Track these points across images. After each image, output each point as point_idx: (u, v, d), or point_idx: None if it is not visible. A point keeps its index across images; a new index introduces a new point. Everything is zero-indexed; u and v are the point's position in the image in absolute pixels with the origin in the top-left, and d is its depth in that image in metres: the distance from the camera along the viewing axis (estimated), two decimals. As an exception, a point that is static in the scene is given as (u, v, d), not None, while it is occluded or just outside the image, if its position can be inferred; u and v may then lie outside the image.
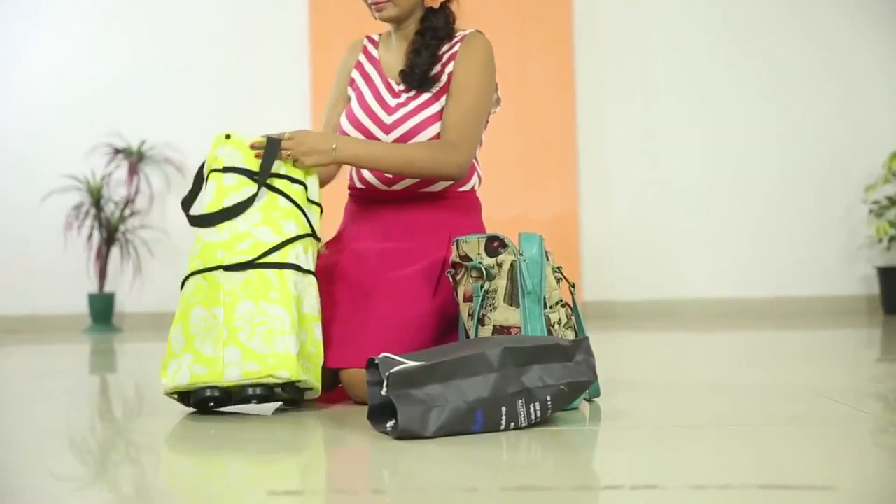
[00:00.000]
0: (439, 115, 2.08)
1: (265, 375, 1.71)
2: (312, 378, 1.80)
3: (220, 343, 1.73)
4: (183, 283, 1.84)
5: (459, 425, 1.53)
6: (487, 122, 2.18)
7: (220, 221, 1.83)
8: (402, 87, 2.13)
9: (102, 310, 5.31)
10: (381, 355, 1.58)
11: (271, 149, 1.89)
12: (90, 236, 5.39)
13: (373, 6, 2.11)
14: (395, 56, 2.19)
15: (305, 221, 1.89)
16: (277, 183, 1.89)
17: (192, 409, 1.83)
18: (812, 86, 5.38)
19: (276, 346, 1.72)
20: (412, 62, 2.12)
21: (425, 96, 2.10)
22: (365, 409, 1.87)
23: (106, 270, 5.38)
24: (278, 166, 1.90)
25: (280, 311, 1.75)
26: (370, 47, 2.26)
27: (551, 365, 1.60)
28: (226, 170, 1.88)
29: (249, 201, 1.85)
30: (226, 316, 1.75)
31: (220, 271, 1.79)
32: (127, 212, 5.45)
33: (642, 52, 5.46)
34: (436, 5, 2.15)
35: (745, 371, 2.57)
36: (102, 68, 5.63)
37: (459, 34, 2.16)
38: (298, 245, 1.84)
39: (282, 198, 1.88)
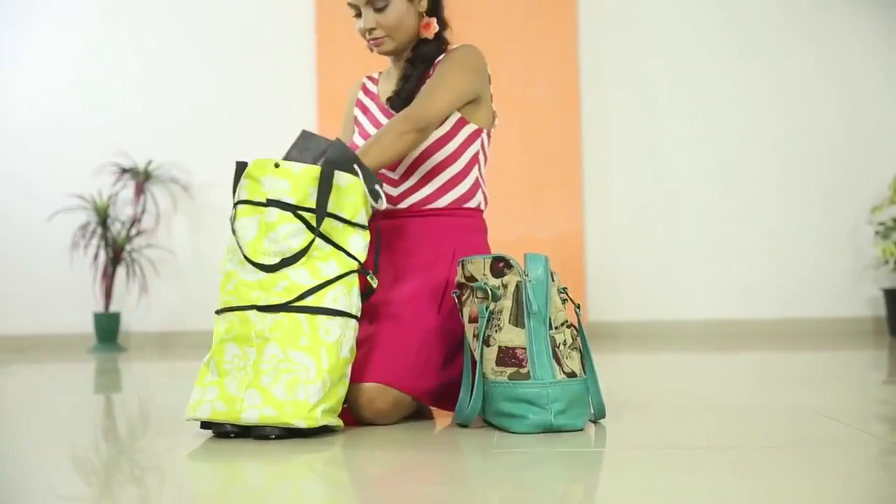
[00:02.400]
0: (442, 143, 2.11)
1: (281, 423, 1.71)
2: (335, 418, 1.80)
3: (244, 384, 1.74)
4: (217, 314, 1.83)
5: None
6: (491, 137, 2.22)
7: (279, 269, 1.78)
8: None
9: (108, 329, 5.32)
10: None
11: (325, 186, 1.81)
12: (96, 256, 5.41)
13: (371, 42, 2.15)
14: (392, 86, 2.24)
15: (348, 258, 1.85)
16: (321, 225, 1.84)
17: (197, 430, 1.85)
18: (820, 106, 5.39)
19: (298, 395, 1.71)
20: (399, 88, 2.17)
21: None
22: (369, 429, 1.88)
23: (112, 290, 5.39)
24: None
25: (307, 360, 1.73)
26: (369, 84, 2.32)
27: None
28: (269, 202, 1.80)
29: (307, 250, 1.79)
30: (256, 357, 1.75)
31: (254, 311, 1.77)
32: (133, 231, 5.47)
33: (648, 72, 5.48)
34: (430, 36, 2.18)
35: (751, 392, 2.56)
36: (109, 88, 5.67)
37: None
38: (338, 286, 1.80)
39: (320, 240, 1.82)
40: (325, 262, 1.81)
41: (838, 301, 5.33)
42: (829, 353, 3.96)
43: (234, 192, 1.87)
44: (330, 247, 1.83)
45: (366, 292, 1.95)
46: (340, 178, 1.86)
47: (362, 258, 1.87)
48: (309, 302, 1.77)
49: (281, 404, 1.71)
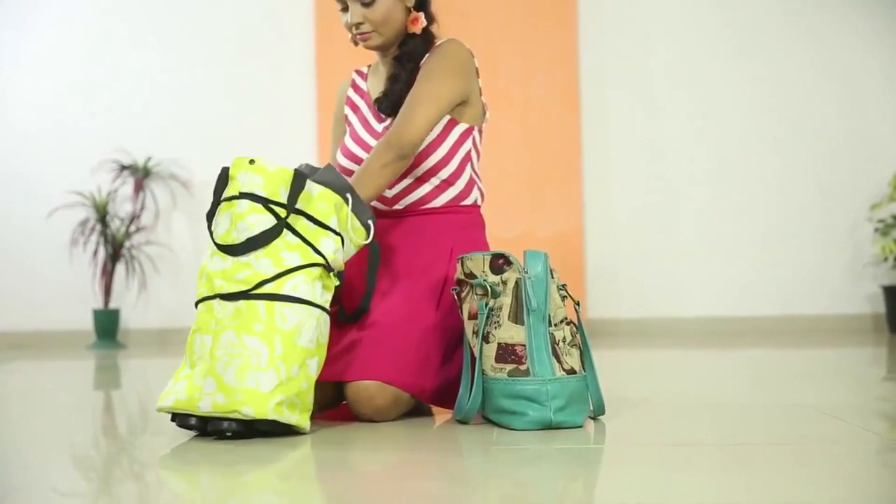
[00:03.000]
0: (434, 146, 2.11)
1: (231, 410, 1.68)
2: (298, 417, 1.74)
3: (203, 373, 1.72)
4: (195, 307, 1.84)
5: None
6: (483, 132, 2.22)
7: (245, 252, 1.77)
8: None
9: (107, 326, 5.31)
10: None
11: (298, 184, 1.81)
12: (95, 252, 5.41)
13: (358, 37, 2.13)
14: (380, 83, 2.23)
15: (314, 254, 1.80)
16: (291, 219, 1.82)
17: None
18: (819, 104, 5.39)
19: (247, 382, 1.68)
20: (387, 89, 2.15)
21: None
22: (368, 426, 1.87)
23: (111, 286, 5.39)
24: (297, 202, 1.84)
25: (259, 346, 1.71)
26: (358, 80, 2.31)
27: None
28: (241, 195, 1.80)
29: (273, 232, 1.78)
30: (212, 345, 1.73)
31: (217, 300, 1.76)
32: (132, 228, 5.46)
33: (647, 70, 5.47)
34: (418, 31, 2.16)
35: (750, 390, 2.56)
36: (109, 85, 5.66)
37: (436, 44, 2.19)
38: (298, 275, 1.77)
39: (289, 232, 1.80)
40: (288, 252, 1.78)
41: (838, 298, 5.33)
42: (829, 350, 3.96)
43: (215, 193, 1.86)
44: (298, 240, 1.81)
45: (357, 308, 1.95)
46: (312, 187, 1.85)
47: (332, 259, 1.82)
48: (268, 289, 1.75)
49: (232, 391, 1.68)
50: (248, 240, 1.77)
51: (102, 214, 5.41)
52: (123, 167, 5.49)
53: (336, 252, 1.84)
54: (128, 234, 5.43)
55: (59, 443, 1.85)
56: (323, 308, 1.80)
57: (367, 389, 1.88)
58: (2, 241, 5.64)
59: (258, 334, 1.71)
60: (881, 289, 5.18)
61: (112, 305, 5.45)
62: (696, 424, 1.89)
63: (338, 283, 1.85)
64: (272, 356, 1.71)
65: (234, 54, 5.64)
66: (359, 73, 2.32)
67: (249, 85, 5.61)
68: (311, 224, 1.83)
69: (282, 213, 1.80)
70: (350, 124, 2.25)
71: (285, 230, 1.80)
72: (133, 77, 5.66)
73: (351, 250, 1.91)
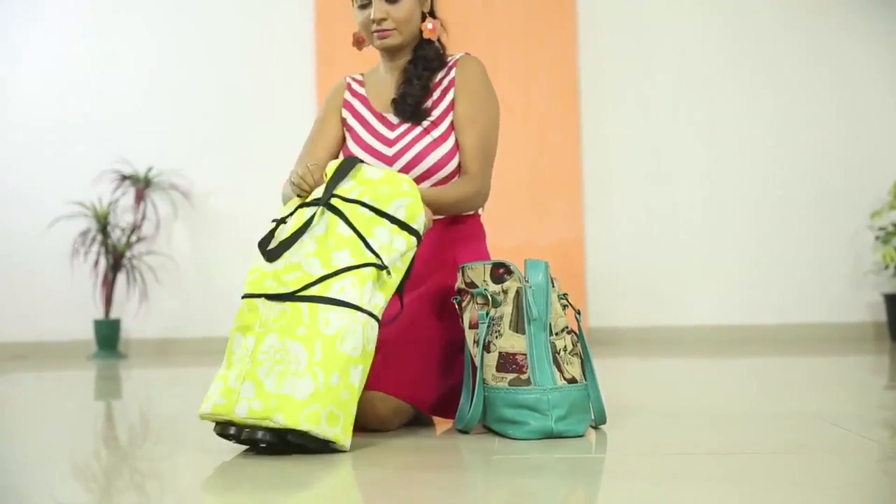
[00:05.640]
0: (441, 141, 2.11)
1: (264, 417, 1.60)
2: (340, 431, 1.65)
3: (242, 375, 1.65)
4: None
5: None
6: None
7: (279, 255, 1.73)
8: (398, 119, 2.17)
9: (108, 336, 5.31)
10: None
11: (340, 171, 1.81)
12: (96, 262, 5.41)
13: (376, 33, 2.14)
14: (385, 88, 2.23)
15: (365, 251, 1.73)
16: (344, 206, 1.77)
17: (196, 436, 1.83)
18: (819, 111, 5.39)
19: (284, 388, 1.60)
20: (404, 91, 2.15)
21: (424, 124, 2.13)
22: (370, 434, 1.87)
23: (112, 297, 5.39)
24: (350, 189, 1.80)
25: (300, 351, 1.63)
26: (354, 85, 2.30)
27: None
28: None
29: (302, 230, 1.73)
30: (254, 347, 1.67)
31: (263, 299, 1.70)
32: (133, 238, 5.47)
33: (647, 77, 5.48)
34: (434, 38, 2.18)
35: (751, 398, 2.56)
36: (110, 95, 5.67)
37: (451, 59, 2.21)
38: (347, 277, 1.69)
39: (342, 223, 1.75)
40: (338, 251, 1.72)
41: (839, 306, 5.32)
42: (830, 358, 3.96)
43: (332, 187, 1.81)
44: (351, 233, 1.74)
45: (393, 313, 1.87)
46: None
47: (385, 253, 1.75)
48: (314, 291, 1.68)
49: (269, 396, 1.61)
50: (281, 244, 1.73)
51: (103, 225, 5.42)
52: (124, 177, 5.49)
53: (392, 242, 1.77)
54: (129, 245, 5.43)
55: (59, 453, 1.85)
56: (370, 314, 1.71)
57: (368, 398, 1.87)
58: (3, 252, 5.64)
59: (300, 339, 1.65)
60: (882, 297, 5.17)
61: (113, 315, 5.45)
62: (697, 433, 1.89)
63: (398, 280, 1.79)
64: (311, 361, 1.63)
65: (235, 65, 5.65)
66: (353, 79, 2.31)
67: (250, 96, 5.61)
68: (367, 211, 1.78)
69: (337, 203, 1.78)
70: (350, 129, 2.23)
71: (338, 220, 1.76)
72: (133, 86, 5.67)
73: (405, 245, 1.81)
